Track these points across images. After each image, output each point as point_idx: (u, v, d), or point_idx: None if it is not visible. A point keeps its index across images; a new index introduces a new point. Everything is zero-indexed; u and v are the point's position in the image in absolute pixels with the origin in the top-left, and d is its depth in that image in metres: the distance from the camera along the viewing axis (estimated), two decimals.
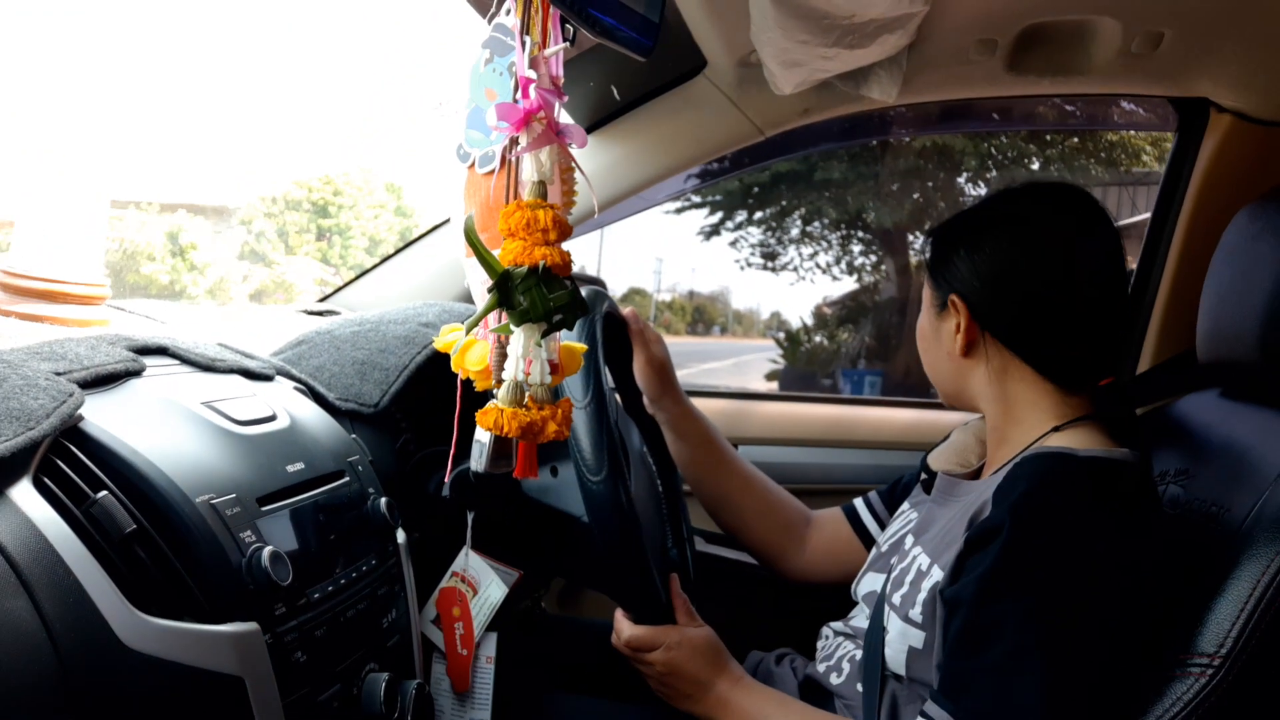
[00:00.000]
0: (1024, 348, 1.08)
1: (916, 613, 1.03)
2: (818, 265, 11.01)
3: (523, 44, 0.83)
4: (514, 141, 0.84)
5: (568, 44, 0.85)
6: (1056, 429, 1.06)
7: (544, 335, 0.82)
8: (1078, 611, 0.90)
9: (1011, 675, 0.89)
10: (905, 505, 1.27)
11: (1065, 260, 1.06)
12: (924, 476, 1.25)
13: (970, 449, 1.21)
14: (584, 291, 1.20)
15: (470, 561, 1.23)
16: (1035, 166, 9.62)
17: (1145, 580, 0.94)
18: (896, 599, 1.07)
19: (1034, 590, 0.91)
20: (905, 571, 1.09)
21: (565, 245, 0.83)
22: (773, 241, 11.05)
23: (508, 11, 0.86)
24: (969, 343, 1.11)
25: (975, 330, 1.10)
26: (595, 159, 1.73)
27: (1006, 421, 1.11)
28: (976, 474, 1.18)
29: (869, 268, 10.91)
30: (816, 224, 10.84)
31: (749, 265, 11.13)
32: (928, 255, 1.17)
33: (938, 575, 1.02)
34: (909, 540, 1.15)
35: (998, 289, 1.08)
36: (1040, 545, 0.92)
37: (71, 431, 0.82)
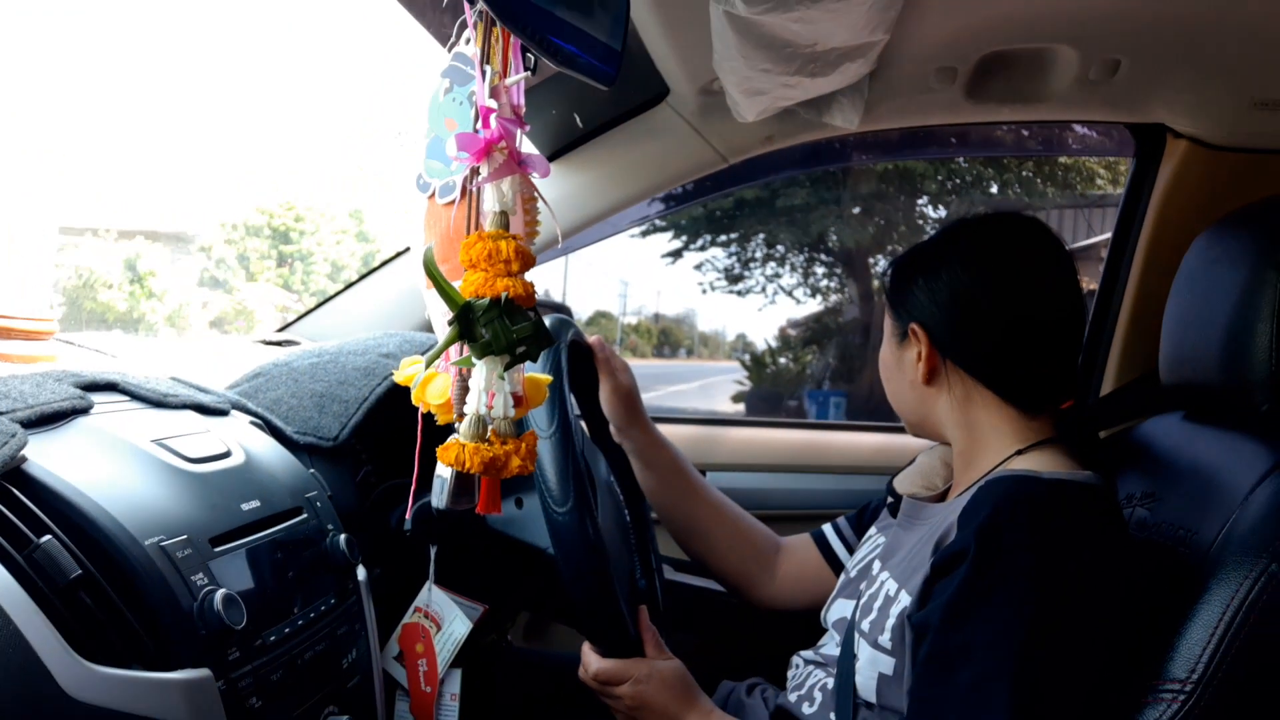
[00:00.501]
0: (984, 374, 1.09)
1: (885, 639, 1.03)
2: (781, 288, 11.10)
3: (483, 73, 0.82)
4: (475, 172, 0.82)
5: (529, 73, 0.84)
6: (1020, 452, 1.07)
7: (507, 368, 0.81)
8: (1044, 635, 0.90)
9: (978, 702, 0.88)
10: (873, 530, 1.27)
11: (1021, 287, 1.08)
12: (890, 500, 1.25)
13: (935, 472, 1.22)
14: (549, 320, 1.19)
15: (434, 596, 1.21)
16: (994, 190, 9.77)
17: (1112, 601, 0.94)
18: (865, 625, 1.07)
19: (1000, 614, 0.90)
20: (874, 598, 1.08)
21: (528, 274, 0.82)
22: (737, 265, 11.12)
23: (468, 41, 0.84)
24: (930, 370, 1.12)
25: (936, 358, 1.12)
26: (558, 187, 1.73)
27: (971, 446, 1.12)
28: (942, 497, 1.18)
29: (832, 290, 11.01)
30: (780, 247, 10.92)
31: (713, 288, 11.19)
32: (887, 287, 1.18)
33: (905, 600, 1.02)
34: (876, 565, 1.15)
35: (956, 317, 1.09)
36: (1005, 569, 0.91)
37: (13, 473, 0.79)
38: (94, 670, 0.73)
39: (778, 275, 11.04)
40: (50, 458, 0.82)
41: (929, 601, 0.97)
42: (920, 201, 10.06)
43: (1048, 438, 1.08)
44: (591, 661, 1.14)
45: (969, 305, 1.08)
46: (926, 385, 1.13)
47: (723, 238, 10.98)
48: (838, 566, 1.37)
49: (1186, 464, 1.17)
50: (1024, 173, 9.27)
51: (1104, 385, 1.80)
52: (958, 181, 9.77)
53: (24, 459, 0.80)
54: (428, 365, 0.85)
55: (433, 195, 0.90)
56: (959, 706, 0.89)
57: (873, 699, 1.04)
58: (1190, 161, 1.63)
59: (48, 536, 0.76)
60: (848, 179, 9.68)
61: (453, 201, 0.87)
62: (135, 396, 1.04)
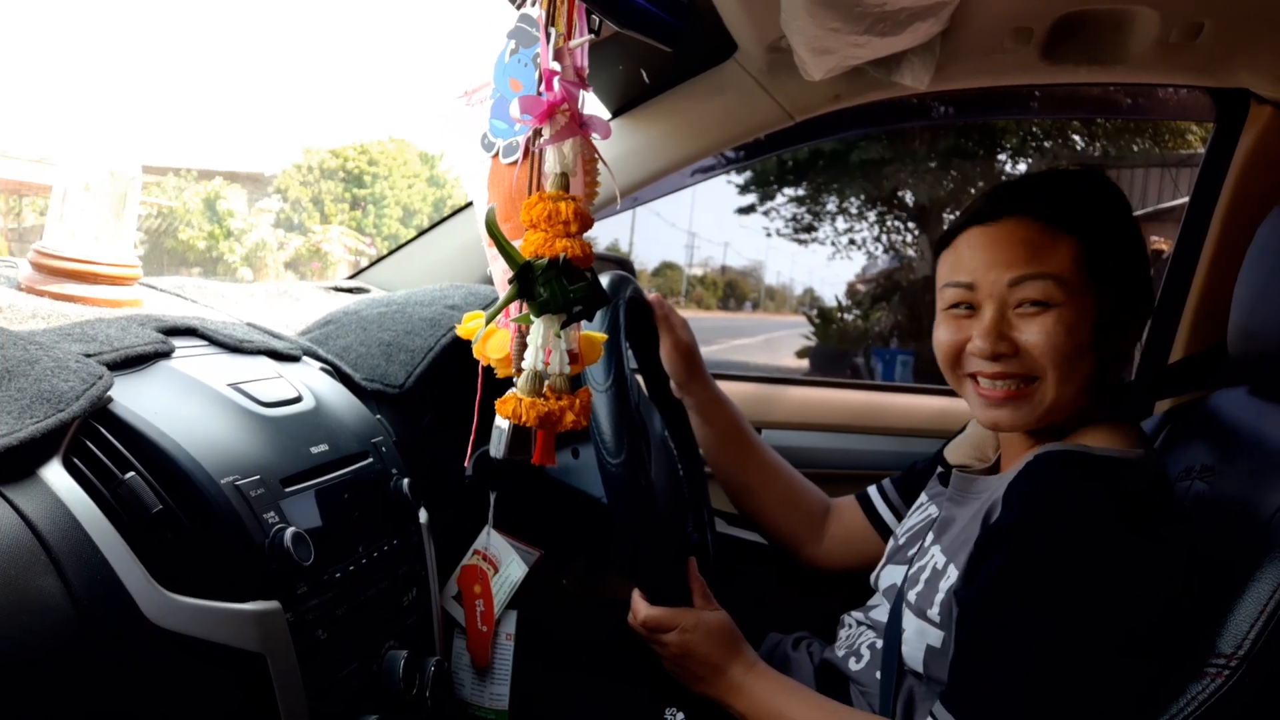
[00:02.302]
0: None
1: (934, 612, 1.03)
2: (853, 241, 10.95)
3: (547, 36, 0.83)
4: (537, 133, 0.84)
5: (593, 35, 0.86)
6: (1075, 427, 1.05)
7: (563, 326, 0.83)
8: (1085, 618, 0.89)
9: (1015, 684, 0.89)
10: (923, 497, 1.26)
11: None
12: (940, 470, 1.25)
13: (987, 442, 1.21)
14: (608, 276, 1.21)
15: (492, 540, 1.25)
16: (1078, 145, 9.47)
17: (1157, 585, 0.92)
18: (913, 596, 1.07)
19: (1041, 596, 0.90)
20: (922, 570, 1.09)
21: (587, 233, 0.84)
22: (808, 217, 10.99)
23: (533, 2, 0.86)
24: None
25: None
26: (624, 142, 1.73)
27: None
28: (993, 468, 1.18)
29: (906, 245, 10.83)
30: (853, 200, 10.76)
31: (781, 237, 11.06)
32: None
33: (953, 575, 1.02)
34: (929, 538, 1.14)
35: None
36: (1048, 550, 0.91)
37: (101, 413, 0.84)
38: (173, 599, 0.78)
39: (850, 229, 10.90)
40: (134, 399, 0.87)
41: (975, 577, 0.97)
42: (1000, 158, 9.81)
43: (1103, 412, 1.06)
44: (640, 609, 1.17)
45: None
46: None
47: (794, 191, 10.85)
48: (884, 529, 1.37)
49: (1248, 439, 1.15)
50: (1110, 126, 8.96)
51: (1173, 354, 1.76)
52: (1039, 136, 9.49)
53: (110, 399, 0.85)
54: (488, 321, 0.88)
55: (496, 154, 0.92)
56: (996, 688, 0.90)
57: (919, 669, 1.05)
58: (1274, 128, 1.57)
59: (131, 473, 0.81)
60: (924, 133, 9.45)
61: (515, 162, 0.89)
62: (213, 341, 1.09)
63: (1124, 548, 0.91)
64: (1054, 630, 0.89)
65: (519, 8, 0.89)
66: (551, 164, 0.84)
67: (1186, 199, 1.76)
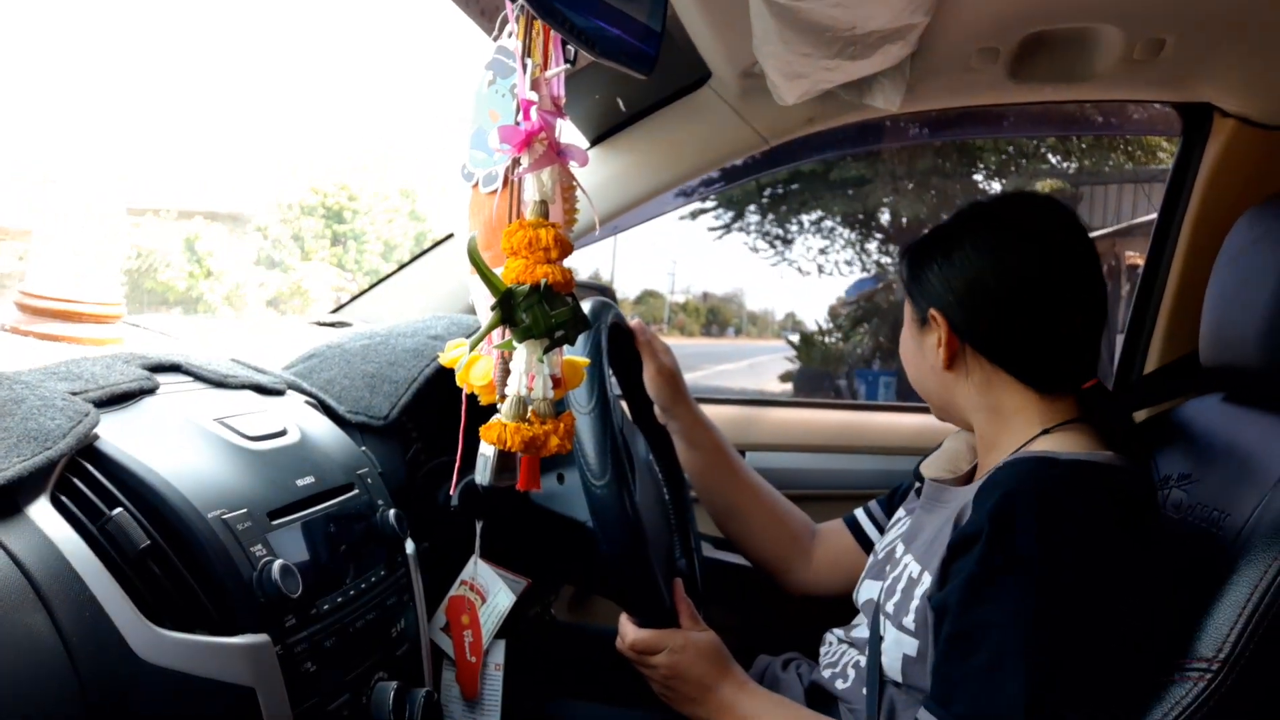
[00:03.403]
0: (1003, 357, 1.09)
1: (910, 620, 1.04)
2: (836, 266, 11.01)
3: (524, 66, 0.85)
4: (516, 162, 0.86)
5: (568, 65, 0.87)
6: (1042, 433, 1.07)
7: (546, 351, 0.84)
8: (1056, 614, 0.91)
9: (994, 680, 0.90)
10: (901, 512, 1.28)
11: (1034, 267, 1.07)
12: (918, 484, 1.26)
13: (961, 455, 1.22)
14: (590, 302, 1.23)
15: (479, 570, 1.25)
16: (1053, 162, 9.59)
17: (1128, 581, 0.94)
18: (890, 607, 1.09)
19: (1012, 594, 0.91)
20: (897, 580, 1.10)
21: (567, 260, 0.85)
22: (786, 241, 11.05)
23: (510, 34, 0.87)
24: (951, 356, 1.12)
25: (956, 343, 1.11)
26: (602, 170, 1.75)
27: (994, 429, 1.12)
28: (966, 479, 1.19)
29: (884, 267, 10.88)
30: (831, 222, 10.83)
31: (762, 263, 11.10)
32: (904, 273, 1.18)
33: (927, 582, 1.04)
34: (900, 548, 1.16)
35: (972, 301, 1.09)
36: (1017, 549, 0.92)
37: (87, 450, 0.84)
38: (161, 634, 0.78)
39: (826, 251, 10.96)
40: (120, 435, 0.87)
41: (947, 583, 0.99)
42: (977, 176, 9.91)
43: (1070, 418, 1.08)
44: (628, 631, 1.17)
45: (984, 289, 1.08)
46: (947, 370, 1.13)
47: (772, 215, 10.91)
48: (870, 549, 1.39)
49: (1223, 446, 1.17)
50: (1083, 146, 9.08)
51: (1148, 365, 1.79)
52: (1015, 154, 9.60)
53: (96, 436, 0.85)
54: (471, 348, 0.89)
55: (476, 184, 0.93)
56: (978, 685, 0.91)
57: (898, 678, 1.06)
58: (1237, 141, 1.61)
59: (119, 509, 0.81)
60: (901, 154, 9.55)
61: (495, 191, 0.90)
62: (198, 377, 1.10)
63: (1093, 545, 0.93)
64: (1027, 624, 0.90)
65: (495, 40, 0.91)
66: (531, 192, 0.85)
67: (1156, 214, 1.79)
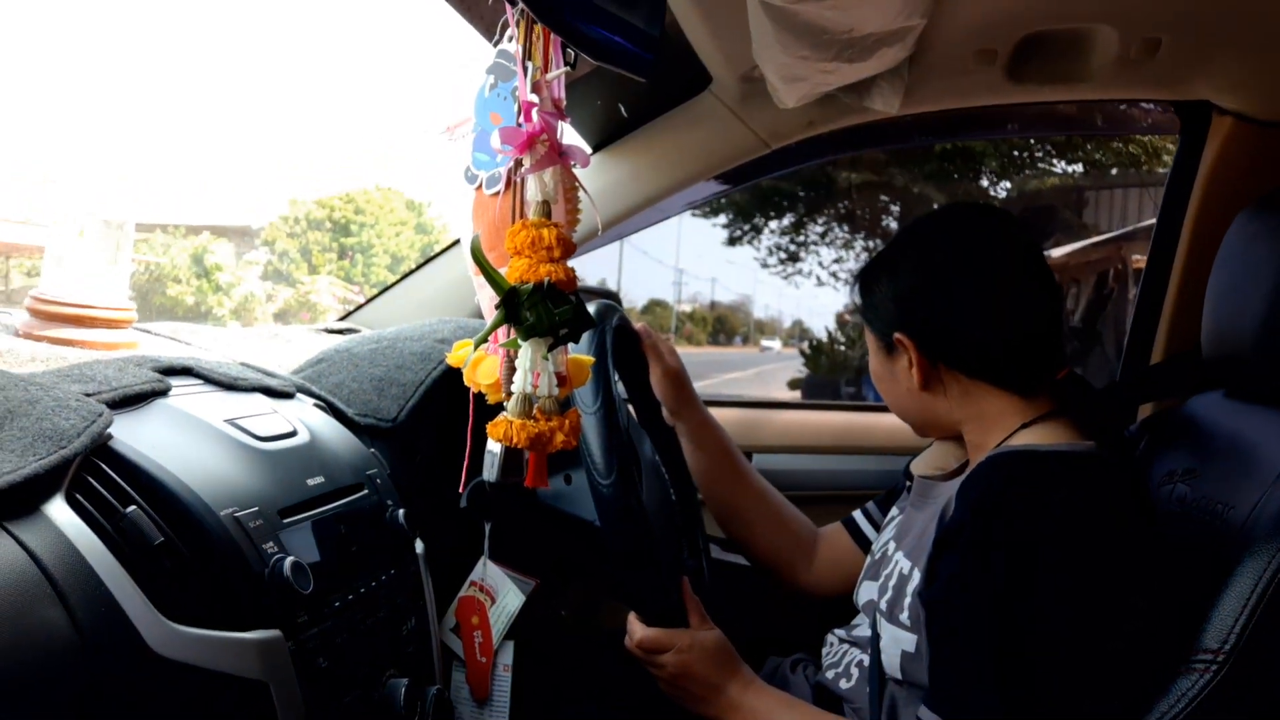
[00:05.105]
0: (974, 368, 1.10)
1: (905, 617, 1.05)
2: (837, 273, 11.01)
3: (524, 69, 0.86)
4: (518, 163, 0.87)
5: (569, 68, 0.89)
6: (1023, 427, 1.08)
7: (550, 349, 0.85)
8: (1041, 604, 0.91)
9: (987, 677, 0.90)
10: (894, 511, 1.29)
11: (978, 277, 1.08)
12: (908, 483, 1.27)
13: (950, 453, 1.23)
14: (595, 305, 1.24)
15: (488, 571, 1.26)
16: (1058, 167, 9.60)
17: (1113, 569, 0.94)
18: (885, 605, 1.10)
19: (995, 585, 0.92)
20: (890, 577, 1.11)
21: (570, 261, 0.87)
22: (794, 247, 11.06)
23: (510, 38, 0.89)
24: (924, 376, 1.12)
25: (927, 363, 1.12)
26: (605, 175, 1.77)
27: (981, 433, 1.12)
28: (954, 475, 1.20)
29: None
30: (840, 228, 10.84)
31: (765, 266, 11.12)
32: (858, 300, 1.19)
33: (918, 578, 1.05)
34: (891, 546, 1.17)
35: (930, 317, 1.10)
36: (1000, 542, 0.93)
37: (101, 450, 0.85)
38: (176, 629, 0.79)
39: (840, 260, 10.97)
40: (133, 435, 0.89)
41: (935, 580, 0.99)
42: (982, 181, 9.92)
43: (1049, 411, 1.09)
44: (636, 630, 1.18)
45: (937, 306, 1.09)
46: (924, 390, 1.13)
47: (779, 222, 10.93)
48: (869, 550, 1.39)
49: (1225, 441, 1.18)
50: (1089, 148, 9.09)
51: (1152, 360, 1.79)
52: (1019, 158, 9.61)
53: (110, 436, 0.87)
54: (477, 347, 0.90)
55: (480, 186, 0.94)
56: (969, 679, 0.92)
57: (898, 675, 1.07)
58: (1235, 137, 1.61)
59: (133, 507, 0.82)
60: (904, 158, 9.57)
61: (498, 192, 0.92)
62: (208, 380, 1.11)
63: (1076, 535, 0.94)
64: (1014, 615, 0.91)
65: (496, 44, 0.93)
66: (533, 192, 0.86)
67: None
